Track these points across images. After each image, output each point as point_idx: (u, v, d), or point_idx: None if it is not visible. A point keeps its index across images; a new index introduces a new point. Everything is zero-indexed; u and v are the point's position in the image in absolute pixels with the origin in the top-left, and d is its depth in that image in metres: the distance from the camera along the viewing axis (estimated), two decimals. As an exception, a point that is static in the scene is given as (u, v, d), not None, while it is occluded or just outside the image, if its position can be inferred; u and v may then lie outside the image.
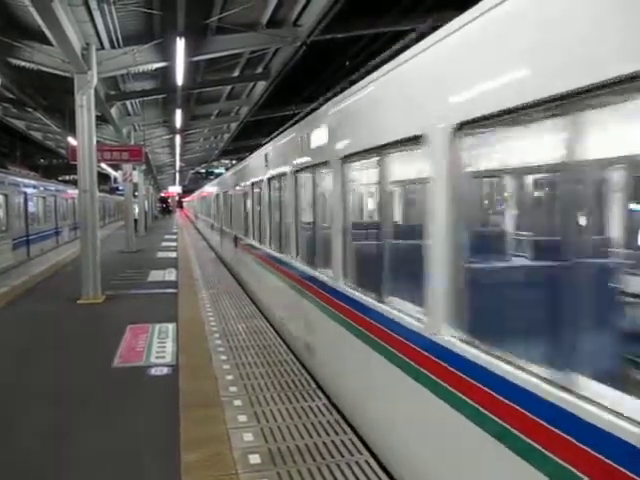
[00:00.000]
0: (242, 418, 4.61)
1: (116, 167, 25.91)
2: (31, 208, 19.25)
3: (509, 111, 2.37)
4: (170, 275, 13.25)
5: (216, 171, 56.51)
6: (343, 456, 3.93)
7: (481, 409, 2.61)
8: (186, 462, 3.87)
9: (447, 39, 2.99)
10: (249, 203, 10.90)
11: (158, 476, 3.78)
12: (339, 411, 4.76)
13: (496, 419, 2.50)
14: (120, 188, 30.24)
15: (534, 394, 2.26)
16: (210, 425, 4.47)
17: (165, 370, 5.99)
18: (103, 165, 24.29)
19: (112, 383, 5.67)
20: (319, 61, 17.89)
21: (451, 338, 2.88)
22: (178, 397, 5.11)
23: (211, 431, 4.36)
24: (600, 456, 1.94)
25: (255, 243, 10.08)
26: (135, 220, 23.87)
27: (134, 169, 22.00)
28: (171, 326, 7.92)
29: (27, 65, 11.31)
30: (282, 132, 7.78)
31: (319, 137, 5.39)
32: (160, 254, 18.52)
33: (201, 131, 27.29)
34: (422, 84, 3.34)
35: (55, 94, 14.91)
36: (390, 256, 3.99)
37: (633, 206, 4.70)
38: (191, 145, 33.15)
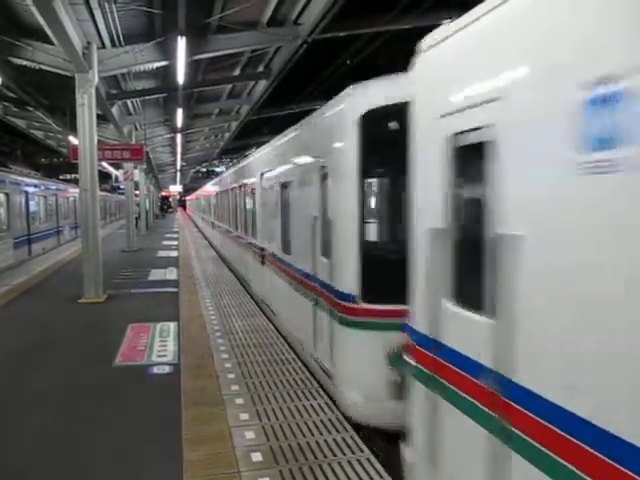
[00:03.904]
0: (244, 416, 4.63)
1: (117, 166, 25.97)
2: (32, 207, 19.26)
3: None
4: (171, 274, 13.27)
5: (217, 170, 56.56)
6: (345, 454, 3.94)
7: None
8: (188, 460, 3.88)
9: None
10: None
11: (160, 474, 3.79)
12: None
13: None
14: (121, 187, 30.27)
15: None
16: (212, 423, 4.49)
17: (167, 369, 6.00)
18: (104, 164, 24.33)
19: (113, 382, 5.68)
20: (320, 59, 17.87)
21: None
22: (180, 395, 5.12)
23: (213, 429, 4.37)
24: None
25: None
26: (136, 219, 23.87)
27: (135, 168, 22.02)
28: (172, 325, 7.93)
29: (28, 64, 11.33)
30: None
31: None
32: (161, 253, 18.53)
33: (202, 130, 27.30)
34: None
35: (56, 93, 14.91)
36: None
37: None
38: (192, 144, 33.17)
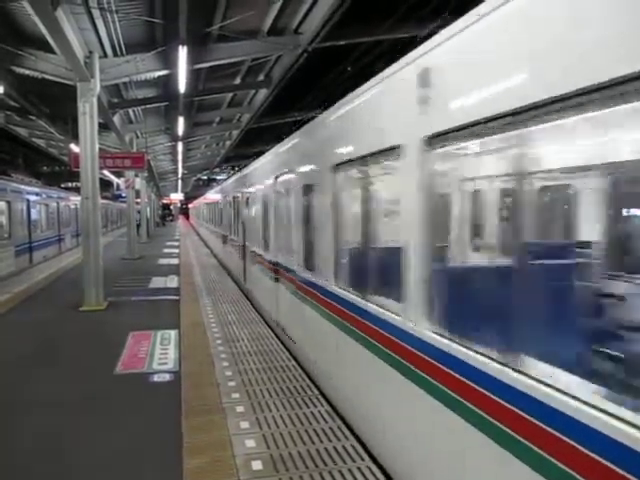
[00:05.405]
0: (244, 424, 4.62)
1: (118, 174, 26.04)
2: (34, 215, 19.30)
3: None
4: (172, 282, 13.27)
5: (218, 178, 56.73)
6: (345, 462, 3.93)
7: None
8: (188, 468, 3.87)
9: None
10: None
11: (160, 482, 3.78)
12: None
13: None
14: (122, 195, 30.34)
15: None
16: (212, 431, 4.48)
17: (167, 377, 6.00)
18: (105, 172, 24.40)
19: (114, 390, 5.68)
20: (320, 67, 17.98)
21: None
22: (180, 403, 5.12)
23: (213, 437, 4.36)
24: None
25: None
26: (137, 226, 23.90)
27: (136, 176, 22.08)
28: (173, 333, 7.93)
29: (30, 73, 11.39)
30: None
31: None
32: (162, 261, 18.54)
33: (203, 138, 27.39)
34: None
35: (58, 102, 15.00)
36: None
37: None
38: (193, 152, 33.26)
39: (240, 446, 4.20)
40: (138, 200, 26.65)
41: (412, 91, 3.27)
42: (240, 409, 4.96)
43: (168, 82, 14.09)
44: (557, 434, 2.18)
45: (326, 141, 5.48)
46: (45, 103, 16.12)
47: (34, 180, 25.10)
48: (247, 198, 11.41)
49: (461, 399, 2.86)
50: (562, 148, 3.95)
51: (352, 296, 4.61)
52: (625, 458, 1.87)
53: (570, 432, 2.11)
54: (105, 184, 29.47)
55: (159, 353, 6.90)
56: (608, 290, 3.91)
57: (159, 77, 13.17)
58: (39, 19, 7.51)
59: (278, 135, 20.96)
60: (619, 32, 1.89)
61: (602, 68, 1.91)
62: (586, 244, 4.31)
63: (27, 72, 11.40)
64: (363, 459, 3.98)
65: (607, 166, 4.10)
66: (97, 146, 10.32)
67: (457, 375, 2.91)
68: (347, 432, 4.45)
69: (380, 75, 4.02)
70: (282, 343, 7.36)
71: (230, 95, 18.30)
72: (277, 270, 8.01)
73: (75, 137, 11.26)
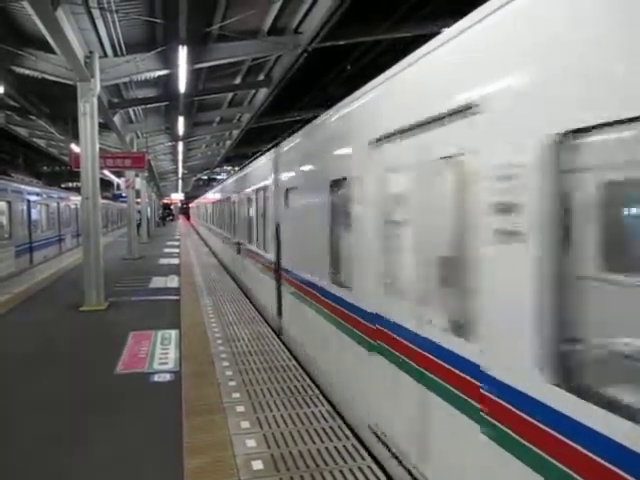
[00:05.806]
0: (245, 424, 4.62)
1: (119, 174, 26.05)
2: (34, 215, 19.30)
3: None
4: (172, 282, 13.27)
5: (218, 177, 56.79)
6: (346, 462, 3.93)
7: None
8: (189, 468, 3.87)
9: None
10: None
11: (161, 482, 3.78)
12: None
13: None
14: (123, 195, 30.33)
15: None
16: (213, 431, 4.48)
17: (168, 376, 6.00)
18: (106, 172, 24.40)
19: (115, 390, 5.67)
20: (320, 66, 17.97)
21: None
22: (181, 403, 5.12)
23: (214, 437, 4.36)
24: None
25: None
26: (138, 226, 23.88)
27: (137, 176, 22.08)
28: (174, 332, 7.93)
29: (30, 73, 11.37)
30: None
31: None
32: (162, 261, 18.54)
33: (203, 138, 27.38)
34: None
35: (58, 102, 14.99)
36: None
37: None
38: (193, 152, 33.26)
39: (241, 446, 4.20)
40: (138, 200, 26.63)
41: None
42: (241, 409, 4.96)
43: (168, 82, 14.08)
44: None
45: None
46: (45, 103, 16.11)
47: (34, 180, 25.09)
48: (287, 190, 7.43)
49: None
50: None
51: None
52: None
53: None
54: (105, 184, 29.43)
55: (160, 353, 6.91)
56: None
57: (159, 77, 13.16)
58: (39, 19, 7.50)
59: (278, 135, 20.96)
60: None
61: None
62: None
63: (27, 72, 11.38)
64: (364, 459, 3.98)
65: None
66: (97, 146, 10.32)
67: None
68: (347, 432, 4.45)
69: None
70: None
71: (230, 95, 18.29)
72: (379, 332, 4.02)
73: (75, 137, 11.26)
